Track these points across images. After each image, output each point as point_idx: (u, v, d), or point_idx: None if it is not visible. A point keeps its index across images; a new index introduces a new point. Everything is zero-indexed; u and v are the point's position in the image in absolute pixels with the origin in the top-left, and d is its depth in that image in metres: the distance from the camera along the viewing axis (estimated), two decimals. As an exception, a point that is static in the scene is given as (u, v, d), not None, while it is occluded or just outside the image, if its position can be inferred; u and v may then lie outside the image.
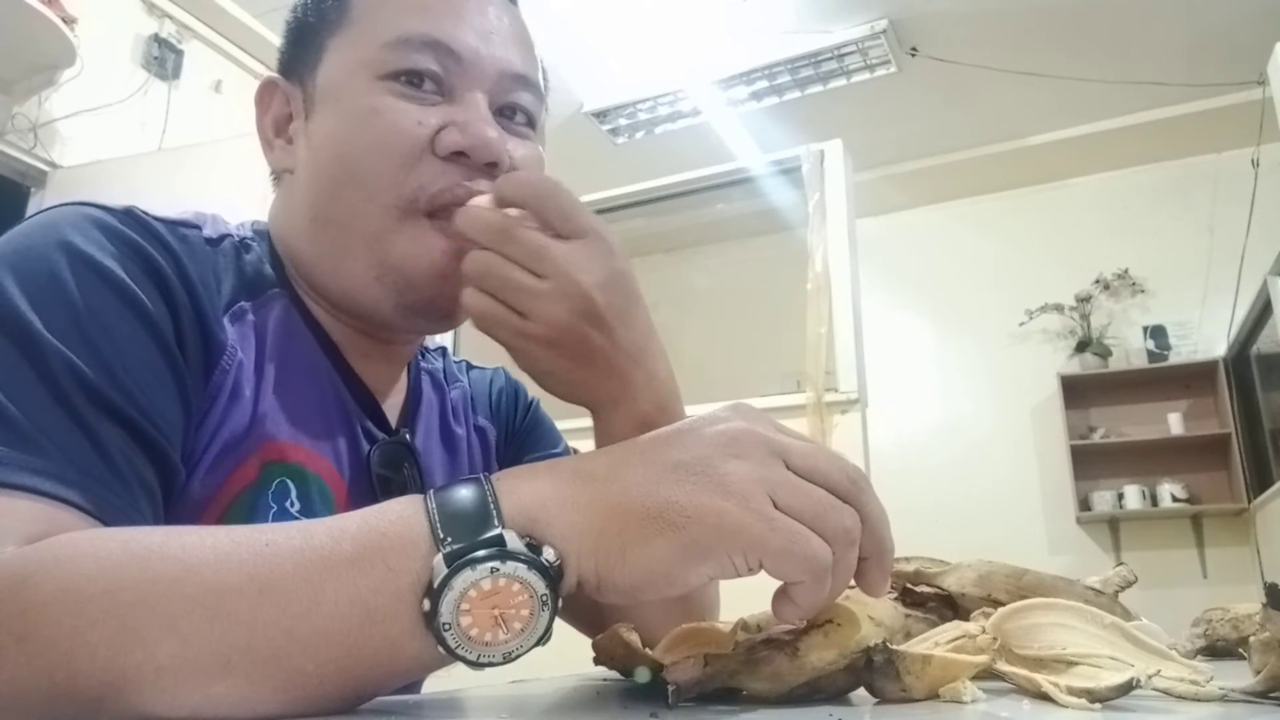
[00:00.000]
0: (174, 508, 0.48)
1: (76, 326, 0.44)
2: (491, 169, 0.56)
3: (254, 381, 0.54)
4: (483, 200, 0.52)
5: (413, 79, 0.56)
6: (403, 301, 0.56)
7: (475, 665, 0.34)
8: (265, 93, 0.62)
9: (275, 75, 0.63)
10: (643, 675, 0.41)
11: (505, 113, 0.60)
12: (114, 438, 0.43)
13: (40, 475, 0.38)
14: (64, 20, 2.56)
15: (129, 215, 0.51)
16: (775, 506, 0.35)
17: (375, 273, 0.56)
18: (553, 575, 0.34)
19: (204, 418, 0.51)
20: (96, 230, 0.48)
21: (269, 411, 0.54)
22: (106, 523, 0.40)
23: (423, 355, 0.72)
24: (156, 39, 3.06)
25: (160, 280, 0.49)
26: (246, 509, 0.51)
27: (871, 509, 0.38)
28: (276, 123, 0.62)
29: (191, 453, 0.50)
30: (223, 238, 0.57)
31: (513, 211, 0.51)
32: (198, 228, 0.56)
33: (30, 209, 2.68)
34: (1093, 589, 0.52)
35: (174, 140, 2.96)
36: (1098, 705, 0.35)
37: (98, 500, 0.40)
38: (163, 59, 3.05)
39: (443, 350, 0.76)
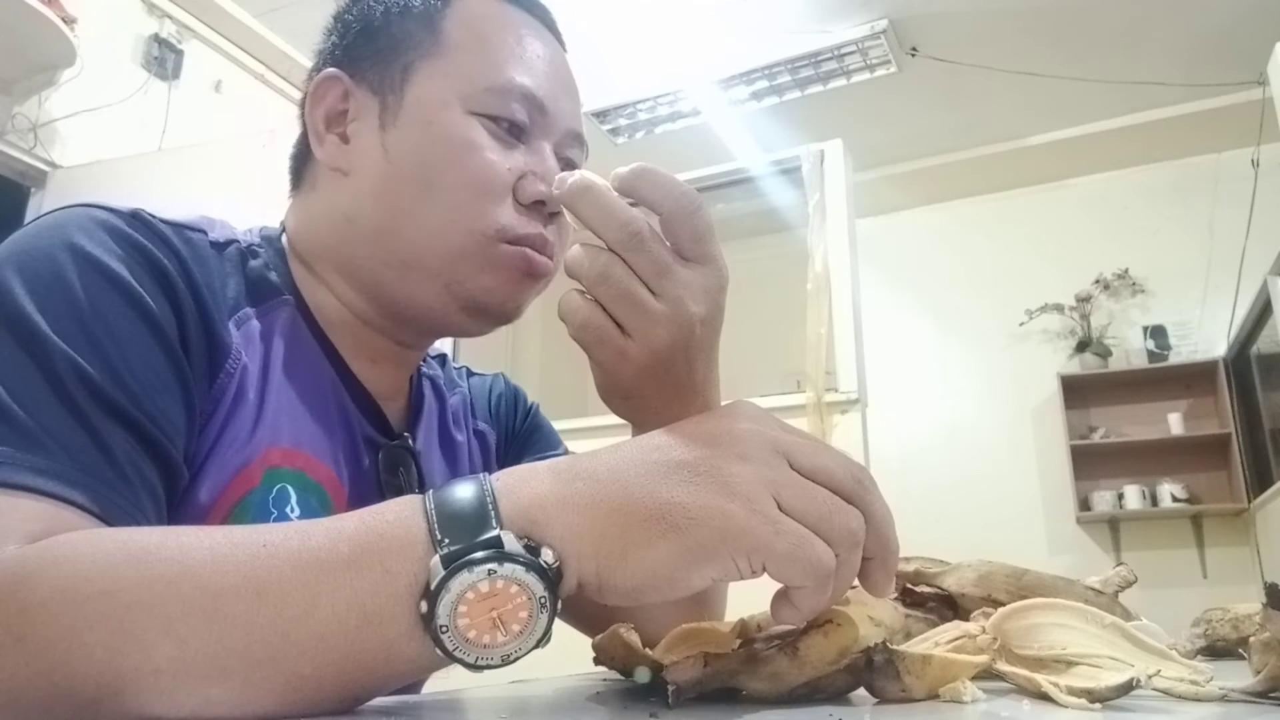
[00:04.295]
0: (177, 511, 0.48)
1: (81, 327, 0.44)
2: (555, 218, 0.59)
3: (258, 386, 0.54)
4: (594, 178, 0.46)
5: (503, 123, 0.58)
6: (470, 308, 0.59)
7: (473, 668, 0.34)
8: (325, 86, 0.61)
9: (338, 71, 0.61)
10: (643, 675, 0.41)
11: (561, 164, 0.62)
12: (118, 438, 0.43)
13: (43, 475, 0.38)
14: (64, 20, 2.56)
15: (135, 218, 0.51)
16: (779, 508, 0.35)
17: (444, 282, 0.58)
18: (551, 577, 0.34)
19: (208, 420, 0.51)
20: (102, 232, 0.48)
21: (272, 417, 0.54)
22: (110, 523, 0.40)
23: (424, 361, 0.72)
24: (156, 39, 3.06)
25: (165, 282, 0.49)
26: (248, 514, 0.51)
27: (876, 509, 0.38)
28: (329, 117, 0.61)
29: (195, 455, 0.50)
30: (229, 243, 0.58)
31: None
32: (204, 231, 0.56)
33: (30, 209, 2.68)
34: (1093, 589, 0.52)
35: (174, 140, 2.96)
36: (1098, 705, 0.35)
37: (101, 500, 0.40)
38: (163, 59, 3.05)
39: (443, 357, 0.76)
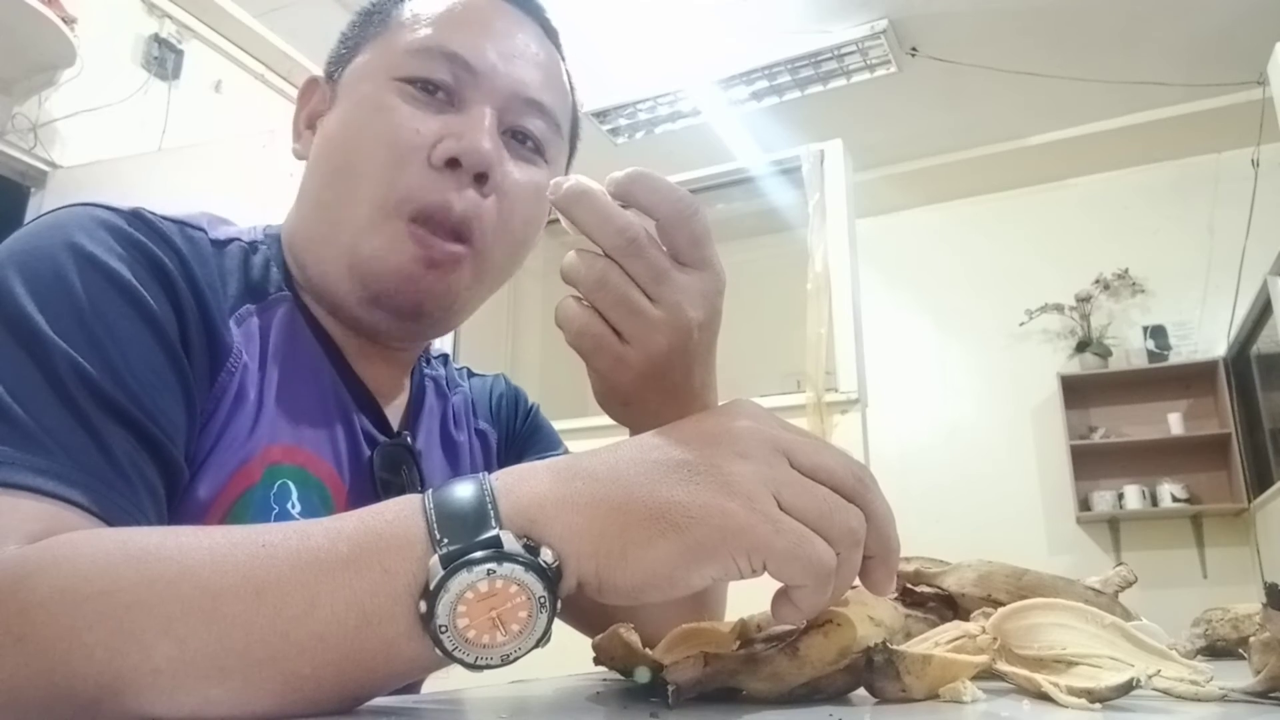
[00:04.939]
0: (177, 509, 0.48)
1: (82, 327, 0.44)
2: (481, 181, 0.57)
3: (258, 384, 0.54)
4: (590, 183, 0.44)
5: (426, 86, 0.57)
6: (367, 295, 0.57)
7: (473, 667, 0.34)
8: (307, 89, 0.66)
9: (318, 74, 0.65)
10: (643, 675, 0.41)
11: (516, 136, 0.61)
12: (118, 438, 0.43)
13: (44, 475, 0.38)
14: (64, 20, 2.56)
15: (136, 217, 0.51)
16: (780, 507, 0.35)
17: (348, 262, 0.57)
18: (551, 577, 0.34)
19: (209, 419, 0.51)
20: (104, 231, 0.48)
21: (272, 414, 0.54)
22: (110, 523, 0.40)
23: (427, 362, 0.73)
24: (156, 39, 3.06)
25: (166, 282, 0.49)
26: (249, 511, 0.51)
27: (877, 508, 0.38)
28: (310, 117, 0.64)
29: (195, 454, 0.50)
30: (230, 241, 0.58)
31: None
32: (204, 230, 0.56)
33: (30, 209, 2.68)
34: (1093, 589, 0.52)
35: (174, 140, 2.96)
36: (1098, 705, 0.35)
37: (101, 500, 0.40)
38: (163, 59, 3.05)
39: (444, 357, 0.77)
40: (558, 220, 0.45)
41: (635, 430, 0.51)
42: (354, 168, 0.57)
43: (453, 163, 0.56)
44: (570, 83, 0.67)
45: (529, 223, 0.62)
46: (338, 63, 0.64)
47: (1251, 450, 3.94)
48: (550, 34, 0.66)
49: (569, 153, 0.68)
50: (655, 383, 0.47)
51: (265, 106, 3.45)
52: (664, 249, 0.44)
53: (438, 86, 0.58)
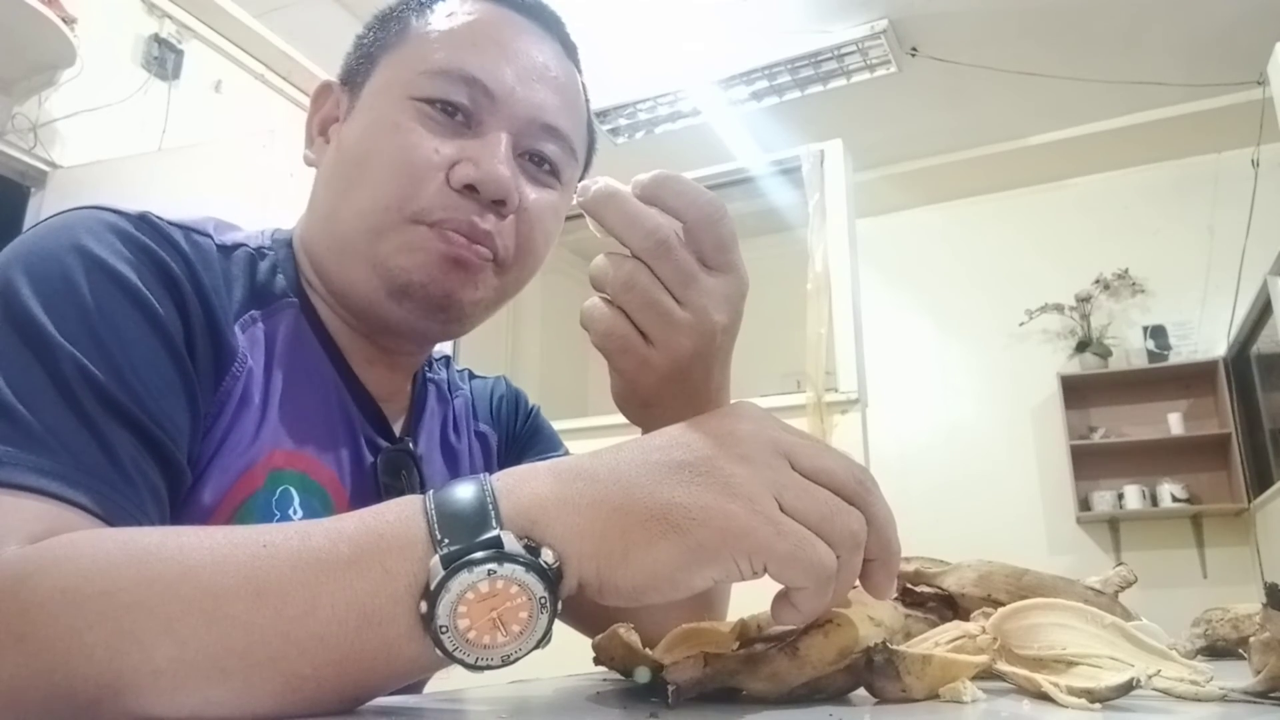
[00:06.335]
0: (181, 513, 0.48)
1: (87, 329, 0.44)
2: (499, 206, 0.57)
3: (262, 389, 0.55)
4: (618, 185, 0.44)
5: (444, 108, 0.57)
6: (395, 289, 0.57)
7: (473, 668, 0.34)
8: (320, 94, 0.65)
9: (332, 80, 0.65)
10: (643, 675, 0.41)
11: (532, 159, 0.61)
12: (122, 440, 0.43)
13: (47, 476, 0.39)
14: (64, 20, 2.56)
15: (144, 221, 0.51)
16: (781, 509, 0.35)
17: (370, 263, 0.57)
18: (551, 577, 0.34)
19: (213, 424, 0.51)
20: (111, 234, 0.49)
21: (275, 420, 0.55)
22: (113, 524, 0.40)
23: (429, 365, 0.73)
24: (156, 39, 3.06)
25: (173, 286, 0.50)
26: (252, 516, 0.52)
27: (878, 511, 0.38)
28: (324, 123, 0.64)
29: (199, 458, 0.50)
30: (236, 246, 0.58)
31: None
32: (211, 235, 0.56)
33: (30, 209, 2.68)
34: (1093, 589, 0.52)
35: (174, 140, 2.97)
36: (1098, 705, 0.35)
37: (104, 502, 0.40)
38: (163, 59, 3.05)
39: (446, 360, 0.77)
40: (580, 215, 0.45)
41: (647, 427, 0.51)
42: (371, 182, 0.57)
43: (469, 189, 0.56)
44: (586, 97, 0.67)
45: (546, 240, 0.63)
46: (354, 71, 0.63)
47: (1251, 450, 3.94)
48: (569, 50, 0.65)
49: (583, 171, 0.68)
50: (676, 385, 0.47)
51: (265, 106, 3.45)
52: (690, 252, 0.44)
53: (456, 109, 0.58)
